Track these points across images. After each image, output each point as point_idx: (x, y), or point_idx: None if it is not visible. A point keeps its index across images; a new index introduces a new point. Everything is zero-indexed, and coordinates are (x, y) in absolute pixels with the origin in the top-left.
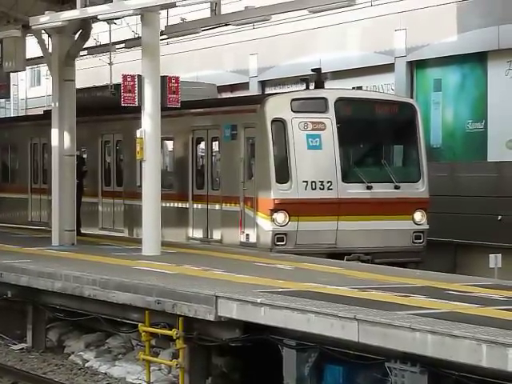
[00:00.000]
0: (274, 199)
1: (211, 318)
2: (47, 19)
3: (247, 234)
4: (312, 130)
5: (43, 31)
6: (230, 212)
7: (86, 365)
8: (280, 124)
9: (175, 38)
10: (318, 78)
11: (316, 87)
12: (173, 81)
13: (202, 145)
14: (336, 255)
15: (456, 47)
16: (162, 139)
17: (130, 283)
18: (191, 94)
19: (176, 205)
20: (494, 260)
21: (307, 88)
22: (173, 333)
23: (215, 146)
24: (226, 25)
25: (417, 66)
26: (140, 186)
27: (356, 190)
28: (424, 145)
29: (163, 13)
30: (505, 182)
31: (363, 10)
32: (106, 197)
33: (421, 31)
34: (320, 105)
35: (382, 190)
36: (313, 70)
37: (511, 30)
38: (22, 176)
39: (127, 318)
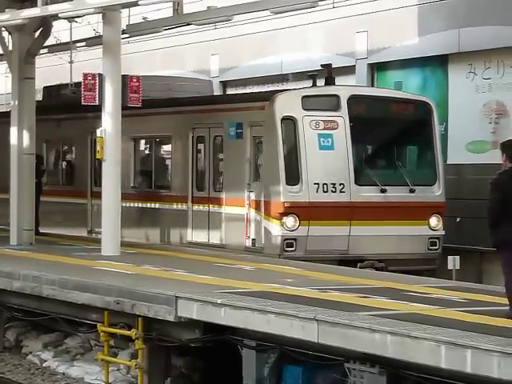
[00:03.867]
0: (284, 202)
1: (171, 318)
2: (7, 17)
3: (253, 239)
4: (324, 129)
5: (3, 29)
6: (234, 215)
7: (44, 365)
8: (290, 122)
9: (137, 37)
10: (329, 73)
11: (326, 84)
12: (134, 80)
13: (204, 144)
14: (348, 262)
15: (417, 50)
16: (159, 138)
17: (90, 283)
18: (186, 91)
19: (175, 207)
20: (453, 262)
21: (314, 85)
22: (132, 333)
23: (218, 145)
24: (188, 24)
25: (378, 68)
26: (133, 187)
27: (369, 194)
28: (440, 146)
29: (125, 11)
30: (464, 184)
31: (325, 11)
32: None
33: (382, 33)
34: (332, 102)
35: (397, 194)
36: (322, 66)
37: (472, 33)
38: None
39: (86, 318)
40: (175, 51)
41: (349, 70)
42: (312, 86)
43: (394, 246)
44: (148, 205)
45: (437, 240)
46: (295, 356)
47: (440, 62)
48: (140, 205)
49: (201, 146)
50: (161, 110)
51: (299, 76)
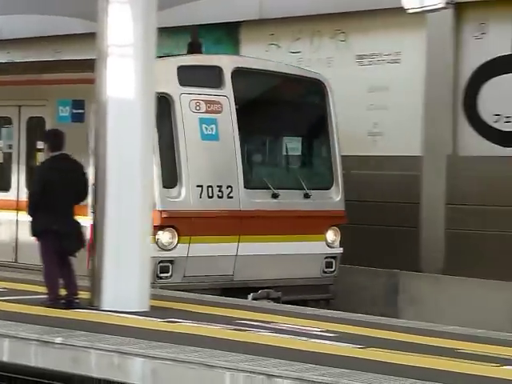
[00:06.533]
0: (162, 211)
1: None
2: None
3: None
4: (206, 112)
5: None
6: None
7: None
8: (164, 101)
9: None
10: (194, 38)
11: (190, 52)
12: None
13: (10, 129)
14: (233, 291)
15: None
16: None
17: None
18: None
19: None
20: None
21: (191, 52)
22: None
23: (35, 130)
24: None
25: None
26: None
27: (261, 200)
28: (337, 137)
29: None
30: None
31: None
32: None
33: None
34: (213, 76)
35: (290, 200)
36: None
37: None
38: None
39: None
40: None
41: None
42: (186, 54)
43: (288, 269)
44: None
45: (333, 260)
46: None
47: None
48: None
49: (4, 132)
50: None
51: None
